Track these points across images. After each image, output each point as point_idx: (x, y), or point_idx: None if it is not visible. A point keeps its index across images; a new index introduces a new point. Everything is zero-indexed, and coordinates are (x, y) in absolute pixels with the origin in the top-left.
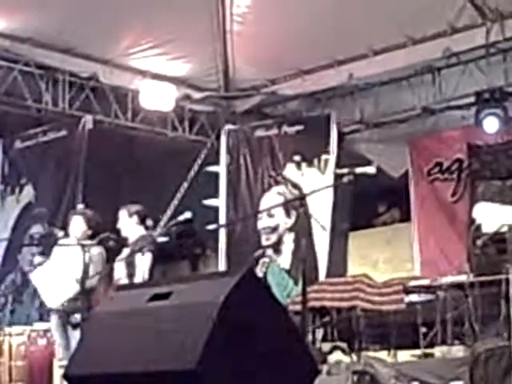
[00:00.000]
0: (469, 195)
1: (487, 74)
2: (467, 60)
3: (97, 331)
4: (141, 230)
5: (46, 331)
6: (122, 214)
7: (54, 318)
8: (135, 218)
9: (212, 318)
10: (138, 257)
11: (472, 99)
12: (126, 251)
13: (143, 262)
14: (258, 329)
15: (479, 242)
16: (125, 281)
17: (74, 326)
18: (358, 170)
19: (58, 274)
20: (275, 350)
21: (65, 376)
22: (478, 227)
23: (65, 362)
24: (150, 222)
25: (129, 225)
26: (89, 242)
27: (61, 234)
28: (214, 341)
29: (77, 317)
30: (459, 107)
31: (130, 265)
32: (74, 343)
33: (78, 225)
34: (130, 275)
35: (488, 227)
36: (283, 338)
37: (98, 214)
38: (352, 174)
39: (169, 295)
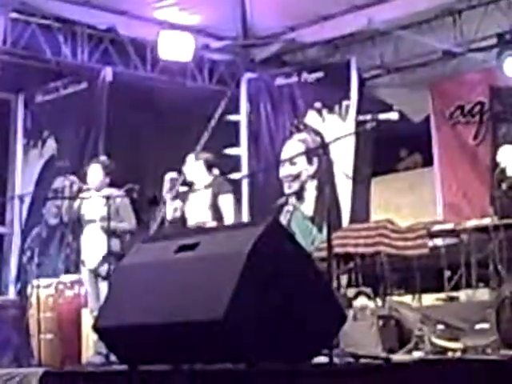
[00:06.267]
0: (490, 138)
1: (508, 15)
2: (488, 1)
3: (124, 283)
4: (206, 176)
5: (73, 283)
6: (190, 158)
7: (84, 270)
8: (201, 164)
9: (239, 269)
10: (221, 199)
11: (493, 41)
12: (196, 194)
13: (227, 204)
14: (285, 277)
15: (504, 186)
16: (213, 224)
17: (104, 278)
18: (381, 116)
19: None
20: (302, 298)
21: (94, 328)
22: (503, 170)
23: (96, 313)
24: (216, 172)
25: (194, 169)
26: (115, 192)
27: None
28: (241, 291)
29: (105, 268)
30: (480, 49)
31: (214, 208)
32: (103, 294)
33: (95, 173)
34: (217, 219)
35: None
36: (310, 285)
37: (114, 163)
38: (375, 121)
39: (195, 246)
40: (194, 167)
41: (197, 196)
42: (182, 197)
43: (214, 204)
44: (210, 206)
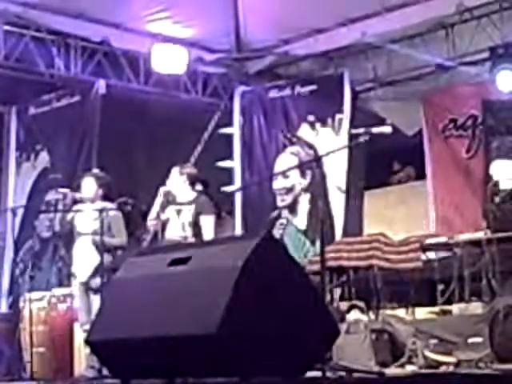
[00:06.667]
0: (483, 151)
1: (501, 29)
2: (481, 15)
3: (117, 297)
4: (189, 192)
5: (66, 296)
6: (174, 171)
7: (75, 282)
8: (184, 178)
9: (232, 283)
10: (202, 219)
11: (486, 55)
12: (178, 208)
13: (208, 226)
14: (278, 291)
15: (497, 199)
16: (191, 240)
17: (95, 291)
18: (374, 129)
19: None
20: (296, 311)
21: (87, 342)
22: (496, 184)
23: (87, 327)
24: (199, 187)
25: (178, 183)
26: (109, 205)
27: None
28: (235, 305)
29: (97, 281)
30: (473, 63)
31: (195, 225)
32: (94, 307)
33: (89, 186)
34: (196, 235)
35: (505, 184)
36: (303, 299)
37: (108, 175)
38: (368, 134)
39: (188, 260)
40: (178, 181)
41: (178, 210)
42: (164, 208)
43: (195, 222)
44: (190, 223)
